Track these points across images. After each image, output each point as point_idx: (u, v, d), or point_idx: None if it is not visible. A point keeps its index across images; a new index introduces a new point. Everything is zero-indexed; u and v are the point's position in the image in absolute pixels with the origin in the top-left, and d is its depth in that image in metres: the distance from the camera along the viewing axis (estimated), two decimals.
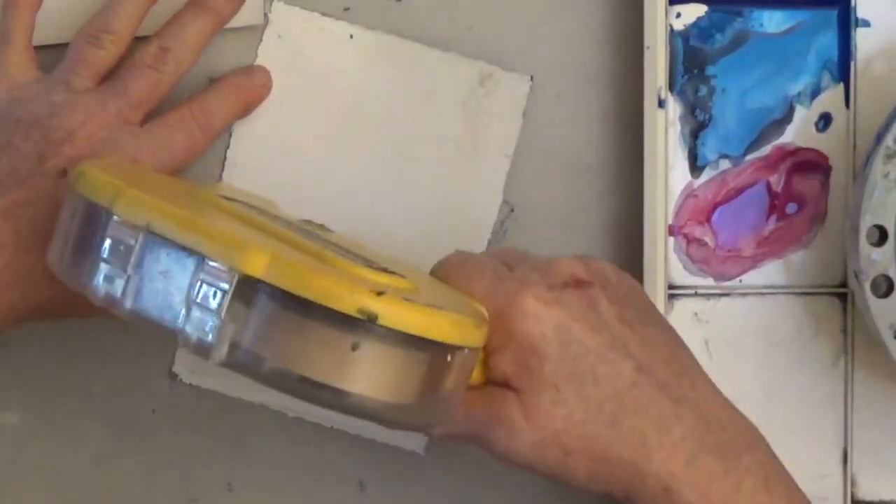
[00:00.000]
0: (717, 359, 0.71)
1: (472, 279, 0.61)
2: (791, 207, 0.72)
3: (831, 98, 0.71)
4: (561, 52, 0.72)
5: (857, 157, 0.71)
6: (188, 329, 0.54)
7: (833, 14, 0.71)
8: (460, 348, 0.57)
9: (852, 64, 0.71)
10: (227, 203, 0.63)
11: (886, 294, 0.67)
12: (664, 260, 0.71)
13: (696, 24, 0.71)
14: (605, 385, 0.59)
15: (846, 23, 0.71)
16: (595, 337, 0.60)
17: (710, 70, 0.71)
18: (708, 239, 0.72)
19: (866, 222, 0.66)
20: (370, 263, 0.58)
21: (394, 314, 0.54)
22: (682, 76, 0.71)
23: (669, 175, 0.71)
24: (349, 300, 0.53)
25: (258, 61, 0.72)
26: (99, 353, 0.73)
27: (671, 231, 0.71)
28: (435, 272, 0.63)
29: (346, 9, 0.72)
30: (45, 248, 0.64)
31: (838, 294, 0.72)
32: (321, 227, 0.66)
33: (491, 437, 0.60)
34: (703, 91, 0.71)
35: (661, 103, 0.70)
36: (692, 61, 0.71)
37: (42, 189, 0.65)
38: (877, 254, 0.67)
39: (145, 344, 0.73)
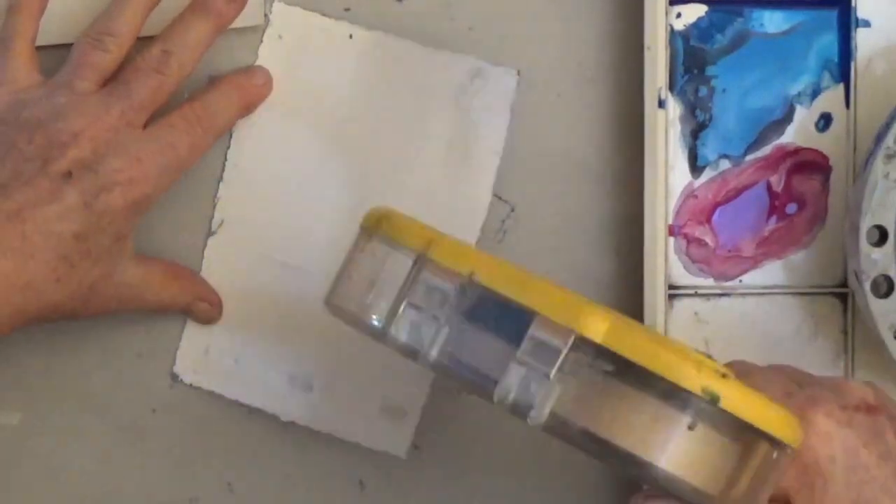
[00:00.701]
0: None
1: (760, 391, 0.58)
2: (791, 207, 0.72)
3: (831, 98, 0.71)
4: (561, 53, 0.72)
5: (857, 157, 0.71)
6: (506, 386, 0.52)
7: (833, 14, 0.71)
8: (785, 445, 0.55)
9: (852, 64, 0.71)
10: None
11: (886, 294, 0.67)
12: (664, 260, 0.71)
13: (696, 25, 0.71)
14: None
15: (846, 23, 0.71)
16: (882, 466, 0.58)
17: (710, 70, 0.71)
18: (708, 239, 0.72)
19: (866, 222, 0.67)
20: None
21: (736, 398, 0.53)
22: (683, 76, 0.71)
23: (669, 175, 0.71)
24: (695, 377, 0.52)
25: (258, 61, 0.72)
26: (99, 353, 0.73)
27: (671, 231, 0.71)
28: None
29: (347, 9, 0.72)
30: (51, 251, 0.65)
31: (838, 294, 0.72)
32: None
33: None
34: (704, 91, 0.71)
35: (662, 103, 0.70)
36: (692, 61, 0.71)
37: (47, 191, 0.65)
38: (877, 254, 0.67)
39: (145, 344, 0.73)
